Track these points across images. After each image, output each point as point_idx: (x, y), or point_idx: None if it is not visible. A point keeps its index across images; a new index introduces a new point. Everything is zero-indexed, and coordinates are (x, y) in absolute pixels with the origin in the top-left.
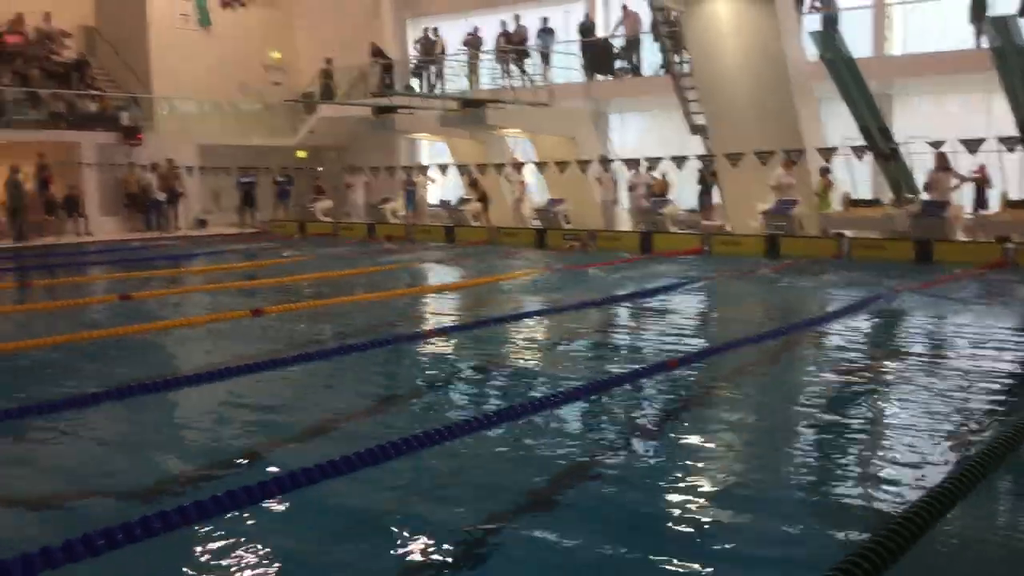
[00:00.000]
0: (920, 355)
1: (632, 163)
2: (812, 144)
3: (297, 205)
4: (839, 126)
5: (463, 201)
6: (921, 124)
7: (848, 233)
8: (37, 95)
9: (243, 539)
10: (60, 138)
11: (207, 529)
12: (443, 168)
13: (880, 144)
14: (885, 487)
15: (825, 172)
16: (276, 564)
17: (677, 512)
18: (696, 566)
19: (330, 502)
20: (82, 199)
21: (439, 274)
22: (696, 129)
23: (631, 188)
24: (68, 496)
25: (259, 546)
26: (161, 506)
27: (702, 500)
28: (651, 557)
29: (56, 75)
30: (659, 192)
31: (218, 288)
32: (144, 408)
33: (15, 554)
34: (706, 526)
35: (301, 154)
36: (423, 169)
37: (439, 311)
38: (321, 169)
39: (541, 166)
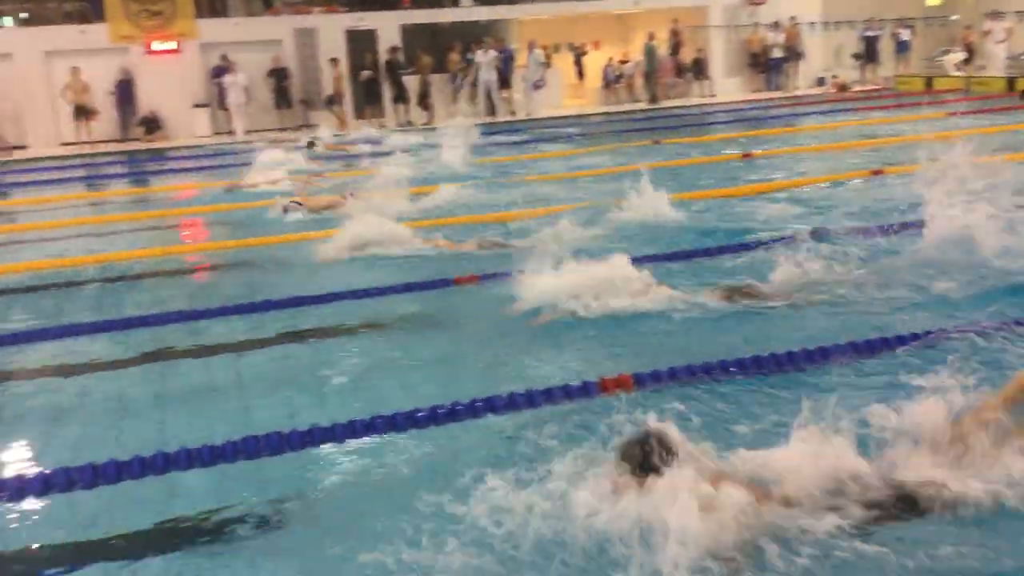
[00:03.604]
0: None
1: None
2: None
3: (925, 58)
4: None
5: None
6: None
7: None
8: None
9: None
10: (691, 3)
11: None
12: None
13: None
14: None
15: None
16: None
17: None
18: None
19: None
20: (707, 62)
21: None
22: None
23: None
24: None
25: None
26: None
27: None
28: None
29: None
30: None
31: (835, 148)
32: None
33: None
34: None
35: (933, 1)
36: None
37: None
38: (955, 18)
39: None
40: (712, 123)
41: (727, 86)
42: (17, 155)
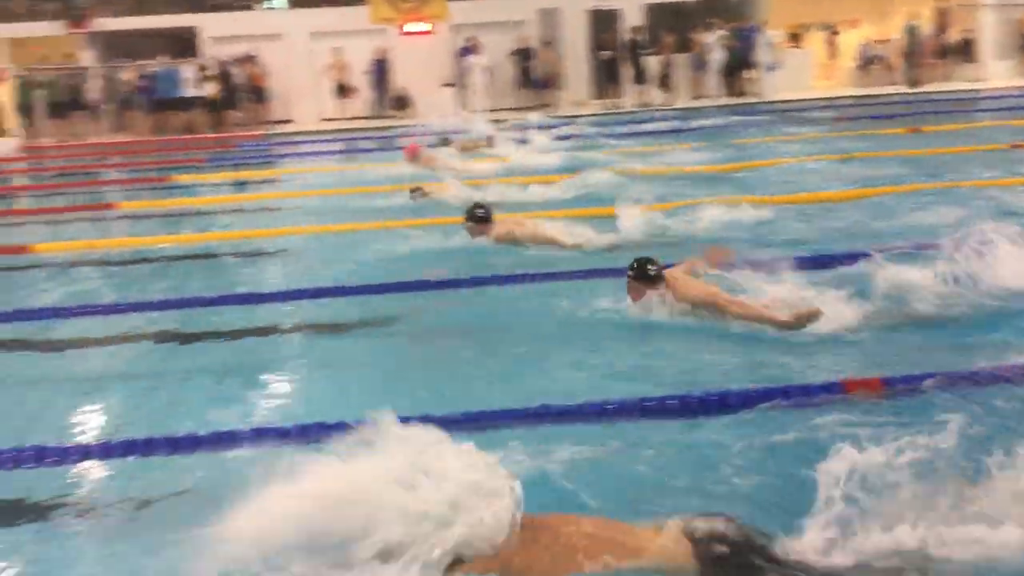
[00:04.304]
0: None
1: None
2: None
3: None
4: None
5: None
6: None
7: None
8: None
9: None
10: None
11: None
12: None
13: None
14: None
15: None
16: None
17: None
18: None
19: None
20: (976, 43)
21: None
22: None
23: None
24: None
25: None
26: None
27: None
28: None
29: None
30: None
31: None
32: None
33: None
34: None
35: None
36: None
37: None
38: None
39: None
40: (980, 110)
41: (998, 70)
42: (280, 128)
